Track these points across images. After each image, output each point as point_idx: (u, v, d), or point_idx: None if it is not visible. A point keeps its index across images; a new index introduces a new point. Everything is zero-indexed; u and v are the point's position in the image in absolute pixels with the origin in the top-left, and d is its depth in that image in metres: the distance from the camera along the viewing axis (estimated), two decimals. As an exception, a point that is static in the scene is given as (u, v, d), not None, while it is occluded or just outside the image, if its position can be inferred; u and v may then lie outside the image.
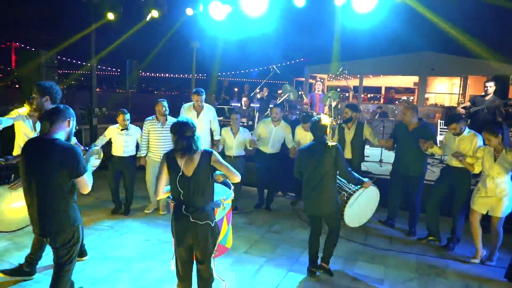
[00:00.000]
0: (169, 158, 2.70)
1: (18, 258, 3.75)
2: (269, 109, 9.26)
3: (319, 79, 23.79)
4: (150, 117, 5.31)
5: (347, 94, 22.42)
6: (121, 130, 5.18)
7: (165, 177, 2.74)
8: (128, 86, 8.92)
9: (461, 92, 18.91)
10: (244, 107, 9.68)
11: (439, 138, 8.30)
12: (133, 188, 5.41)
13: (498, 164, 3.83)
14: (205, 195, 2.71)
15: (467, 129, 4.33)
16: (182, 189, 2.66)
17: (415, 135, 4.57)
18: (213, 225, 2.72)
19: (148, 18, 7.47)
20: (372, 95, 26.26)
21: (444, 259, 4.25)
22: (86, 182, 2.54)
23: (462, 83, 18.59)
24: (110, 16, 7.53)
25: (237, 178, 2.81)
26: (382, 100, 23.25)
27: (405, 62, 18.57)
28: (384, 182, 5.12)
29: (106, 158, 4.68)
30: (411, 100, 22.91)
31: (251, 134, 5.80)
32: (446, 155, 4.80)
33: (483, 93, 6.69)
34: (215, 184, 2.93)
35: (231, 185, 3.20)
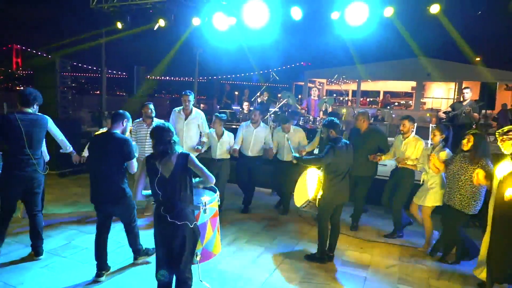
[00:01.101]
0: (149, 162, 2.86)
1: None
2: (268, 113, 9.76)
3: (318, 84, 24.27)
4: (138, 119, 5.52)
5: (346, 98, 22.86)
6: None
7: (143, 179, 2.94)
8: (135, 91, 9.43)
9: (456, 96, 19.44)
10: (245, 111, 10.17)
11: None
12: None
13: (433, 160, 4.32)
14: (182, 196, 2.80)
15: (413, 134, 4.95)
16: (161, 190, 2.78)
17: (365, 138, 5.13)
18: (191, 226, 2.77)
19: (156, 27, 7.96)
20: (371, 99, 26.71)
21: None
22: (133, 165, 3.56)
23: (457, 88, 19.13)
24: (119, 25, 8.04)
25: (211, 181, 2.92)
26: (380, 104, 23.71)
27: (402, 68, 19.07)
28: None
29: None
30: (409, 104, 23.38)
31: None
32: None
33: (461, 99, 7.22)
34: (203, 189, 3.19)
35: (217, 190, 3.33)
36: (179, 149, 2.88)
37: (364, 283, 3.85)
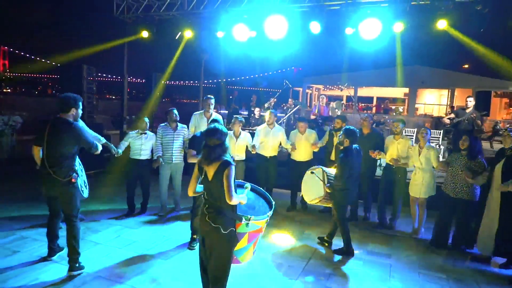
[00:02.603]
0: (200, 161, 2.93)
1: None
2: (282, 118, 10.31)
3: (315, 90, 24.82)
4: (163, 124, 5.89)
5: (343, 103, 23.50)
6: (140, 134, 5.73)
7: (195, 177, 2.98)
8: (153, 96, 9.88)
9: (448, 103, 20.29)
10: (257, 117, 10.69)
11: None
12: (149, 188, 5.98)
13: (422, 157, 5.22)
14: (222, 200, 2.81)
15: (403, 135, 5.73)
16: (205, 189, 2.91)
17: (368, 139, 5.80)
18: (225, 232, 2.78)
19: (177, 36, 8.43)
20: (365, 105, 27.47)
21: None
22: None
23: (449, 94, 19.99)
24: (145, 34, 8.49)
25: (229, 199, 2.78)
26: (374, 109, 24.45)
27: (397, 75, 19.80)
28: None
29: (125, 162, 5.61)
30: (401, 110, 24.20)
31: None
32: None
33: (464, 107, 7.84)
34: (256, 199, 3.23)
35: (272, 208, 3.31)
36: (227, 156, 2.88)
37: (390, 269, 4.37)
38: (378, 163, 6.15)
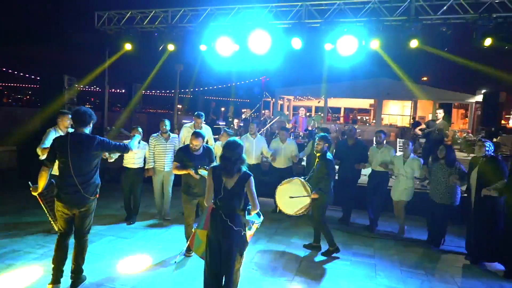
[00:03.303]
0: (215, 172, 3.18)
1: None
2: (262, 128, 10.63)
3: (286, 101, 25.46)
4: (155, 134, 6.10)
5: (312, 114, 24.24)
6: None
7: (211, 187, 3.21)
8: (133, 106, 9.92)
9: (412, 113, 21.55)
10: (236, 127, 10.97)
11: (398, 153, 10.09)
12: (140, 198, 6.17)
13: (406, 167, 5.79)
14: (237, 207, 3.15)
15: (385, 144, 6.24)
16: (223, 199, 3.12)
17: (353, 149, 6.32)
18: (242, 234, 3.17)
19: (160, 48, 8.58)
20: (334, 115, 28.44)
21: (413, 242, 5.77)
22: None
23: (412, 106, 21.23)
24: (128, 46, 8.56)
25: (257, 208, 3.16)
26: (342, 120, 25.42)
27: (365, 87, 20.82)
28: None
29: (119, 170, 5.63)
30: (366, 120, 25.34)
31: None
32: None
33: (434, 118, 8.52)
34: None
35: (261, 215, 3.60)
36: (245, 168, 3.19)
37: (375, 267, 4.74)
38: (361, 172, 6.59)
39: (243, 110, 12.93)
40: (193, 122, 6.52)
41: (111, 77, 9.35)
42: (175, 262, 4.54)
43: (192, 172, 4.37)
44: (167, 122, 6.12)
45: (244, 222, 3.21)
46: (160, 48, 8.66)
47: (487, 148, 4.88)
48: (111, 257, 4.64)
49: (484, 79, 19.77)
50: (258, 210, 3.21)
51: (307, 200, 4.98)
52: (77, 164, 3.59)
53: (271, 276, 4.34)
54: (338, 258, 5.01)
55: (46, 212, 4.00)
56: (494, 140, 9.74)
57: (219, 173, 3.17)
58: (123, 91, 9.82)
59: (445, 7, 6.94)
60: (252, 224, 3.46)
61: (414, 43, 6.88)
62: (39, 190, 3.75)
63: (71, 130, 4.80)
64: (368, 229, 6.22)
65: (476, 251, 4.98)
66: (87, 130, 3.74)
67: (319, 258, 4.99)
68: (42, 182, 3.69)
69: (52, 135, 4.84)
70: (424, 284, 4.34)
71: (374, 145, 6.44)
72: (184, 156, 4.52)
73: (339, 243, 5.26)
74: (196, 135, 4.48)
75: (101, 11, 8.90)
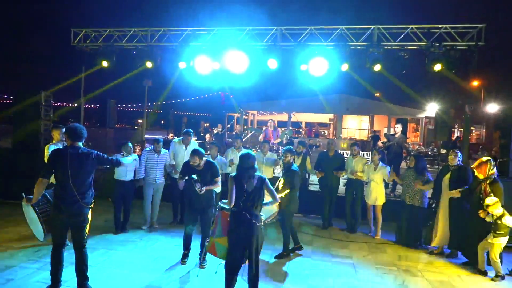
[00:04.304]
0: (237, 179, 3.81)
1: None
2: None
3: (251, 115, 26.08)
4: (148, 148, 6.65)
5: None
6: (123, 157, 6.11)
7: (233, 192, 3.78)
8: (108, 122, 9.95)
9: (369, 127, 23.04)
10: (209, 141, 11.31)
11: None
12: (130, 209, 6.42)
13: (377, 173, 6.55)
14: (259, 206, 3.85)
15: (360, 155, 7.05)
16: (244, 201, 3.74)
17: (333, 159, 7.06)
18: (261, 228, 3.85)
19: (141, 67, 8.82)
20: (296, 129, 29.47)
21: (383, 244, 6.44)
22: None
23: (370, 120, 22.75)
24: (104, 63, 8.71)
25: (277, 200, 4.01)
26: (304, 133, 26.48)
27: (326, 102, 21.99)
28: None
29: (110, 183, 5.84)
30: (327, 134, 26.66)
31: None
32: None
33: (393, 132, 9.44)
34: None
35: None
36: (258, 173, 3.92)
37: (354, 266, 5.30)
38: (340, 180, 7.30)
39: (204, 124, 13.31)
40: (182, 137, 6.88)
41: (87, 93, 9.38)
42: (216, 272, 4.70)
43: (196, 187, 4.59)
44: (161, 140, 6.64)
45: (260, 217, 3.84)
46: (139, 67, 8.88)
47: (459, 159, 5.80)
48: (112, 269, 4.80)
49: (431, 98, 21.74)
50: (278, 201, 4.05)
51: (275, 209, 5.30)
52: (76, 175, 3.84)
53: (265, 278, 4.74)
54: (322, 257, 5.52)
55: (39, 222, 4.17)
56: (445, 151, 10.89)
57: (239, 179, 3.79)
58: (98, 106, 9.81)
59: (402, 36, 7.92)
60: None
61: (377, 67, 7.74)
62: (34, 201, 4.00)
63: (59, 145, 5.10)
64: (349, 232, 6.89)
65: (455, 243, 5.75)
66: (81, 144, 4.01)
67: (303, 260, 5.46)
68: (37, 194, 3.95)
69: (52, 148, 4.98)
70: (398, 278, 4.96)
71: (350, 156, 7.16)
72: (187, 171, 4.83)
73: (319, 247, 5.78)
74: (192, 153, 4.84)
75: (77, 28, 8.99)
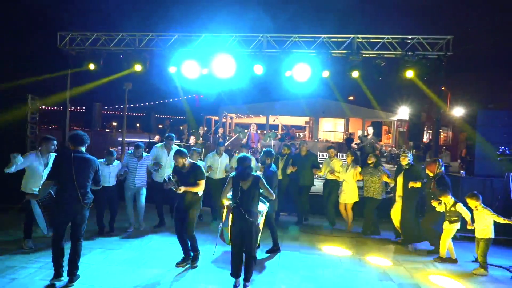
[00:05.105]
0: (234, 180, 4.28)
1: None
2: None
3: (230, 118, 26.34)
4: (130, 151, 6.82)
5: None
6: (107, 164, 6.34)
7: (228, 189, 4.35)
8: (92, 125, 9.99)
9: (344, 130, 23.88)
10: (193, 144, 11.51)
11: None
12: (116, 210, 6.59)
13: (348, 173, 7.04)
14: (254, 203, 4.24)
15: (336, 157, 7.69)
16: (240, 198, 4.18)
17: (306, 158, 7.55)
18: (257, 223, 4.32)
19: (127, 70, 8.96)
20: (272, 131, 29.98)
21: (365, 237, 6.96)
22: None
23: (345, 123, 23.60)
24: (91, 66, 8.80)
25: (273, 196, 4.43)
26: (279, 136, 26.99)
27: (303, 106, 22.66)
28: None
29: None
30: (302, 136, 27.36)
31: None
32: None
33: (365, 134, 10.08)
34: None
35: (266, 202, 4.83)
36: (254, 172, 4.35)
37: (340, 259, 5.75)
38: (316, 177, 7.80)
39: (181, 127, 13.49)
40: (164, 142, 7.01)
41: (73, 95, 9.40)
42: (213, 254, 5.40)
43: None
44: (142, 145, 6.76)
45: (257, 212, 4.26)
46: (126, 71, 9.03)
47: (409, 159, 6.45)
48: (113, 266, 5.02)
49: (402, 102, 22.85)
50: (274, 197, 4.45)
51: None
52: (80, 178, 4.26)
53: (258, 271, 5.09)
54: (310, 252, 5.94)
55: (43, 216, 4.54)
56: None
57: (236, 179, 4.24)
58: (83, 109, 9.86)
59: (379, 45, 8.53)
60: (263, 213, 4.69)
61: (355, 74, 8.31)
62: (38, 197, 4.48)
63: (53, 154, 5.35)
64: (328, 227, 7.39)
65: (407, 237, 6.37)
66: (83, 148, 4.42)
67: (293, 254, 5.85)
68: (42, 192, 4.43)
69: (32, 157, 5.29)
70: (379, 267, 5.45)
71: (327, 158, 7.64)
72: (175, 173, 5.05)
73: (305, 242, 6.24)
74: (174, 154, 5.10)
75: (64, 32, 9.02)
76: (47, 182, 4.35)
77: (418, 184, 6.11)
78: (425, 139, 19.63)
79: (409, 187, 6.16)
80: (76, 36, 9.08)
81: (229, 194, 4.42)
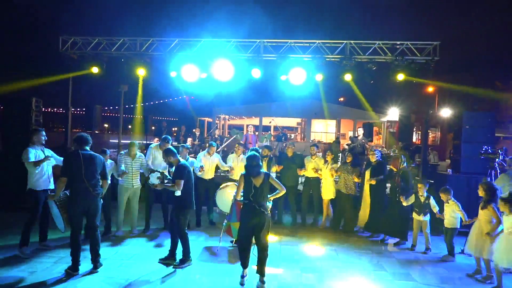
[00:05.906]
0: (246, 177, 4.50)
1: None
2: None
3: (223, 119, 26.68)
4: (123, 151, 6.66)
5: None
6: None
7: (241, 187, 4.55)
8: (93, 127, 10.23)
9: (336, 131, 24.37)
10: (190, 145, 11.82)
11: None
12: (110, 212, 6.60)
13: (326, 170, 7.41)
14: (265, 198, 4.52)
15: (319, 155, 8.05)
16: (254, 194, 4.43)
17: (292, 159, 7.78)
18: (268, 214, 4.54)
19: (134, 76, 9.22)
20: (265, 133, 30.37)
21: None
22: None
23: (337, 124, 24.08)
24: (94, 69, 9.05)
25: (284, 190, 4.67)
26: (272, 138, 27.37)
27: (295, 107, 23.04)
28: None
29: None
30: (293, 137, 27.72)
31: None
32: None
33: (356, 135, 10.52)
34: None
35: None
36: (263, 170, 4.63)
37: (337, 252, 6.13)
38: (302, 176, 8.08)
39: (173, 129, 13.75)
40: (159, 143, 7.03)
41: (74, 98, 9.64)
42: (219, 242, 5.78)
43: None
44: (137, 144, 6.81)
45: (267, 207, 4.59)
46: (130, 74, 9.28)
47: (377, 155, 7.04)
48: (125, 260, 5.34)
49: (392, 103, 23.46)
50: (285, 191, 4.67)
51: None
52: (89, 172, 4.77)
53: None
54: (305, 246, 6.30)
55: (60, 215, 4.98)
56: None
57: (248, 177, 4.47)
58: (84, 111, 10.10)
59: (370, 50, 8.97)
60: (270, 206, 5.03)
61: (348, 77, 8.74)
62: (56, 197, 4.93)
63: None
64: (312, 225, 7.68)
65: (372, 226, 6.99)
66: (88, 148, 4.92)
67: (292, 248, 6.21)
68: (59, 190, 4.87)
69: (32, 151, 5.47)
70: (373, 258, 5.85)
71: (309, 156, 7.83)
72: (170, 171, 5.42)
73: (303, 237, 6.59)
74: (163, 152, 5.43)
75: (66, 36, 9.26)
76: (63, 179, 4.76)
77: (372, 182, 6.78)
78: (414, 140, 20.23)
79: (365, 182, 6.90)
80: (78, 41, 9.33)
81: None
